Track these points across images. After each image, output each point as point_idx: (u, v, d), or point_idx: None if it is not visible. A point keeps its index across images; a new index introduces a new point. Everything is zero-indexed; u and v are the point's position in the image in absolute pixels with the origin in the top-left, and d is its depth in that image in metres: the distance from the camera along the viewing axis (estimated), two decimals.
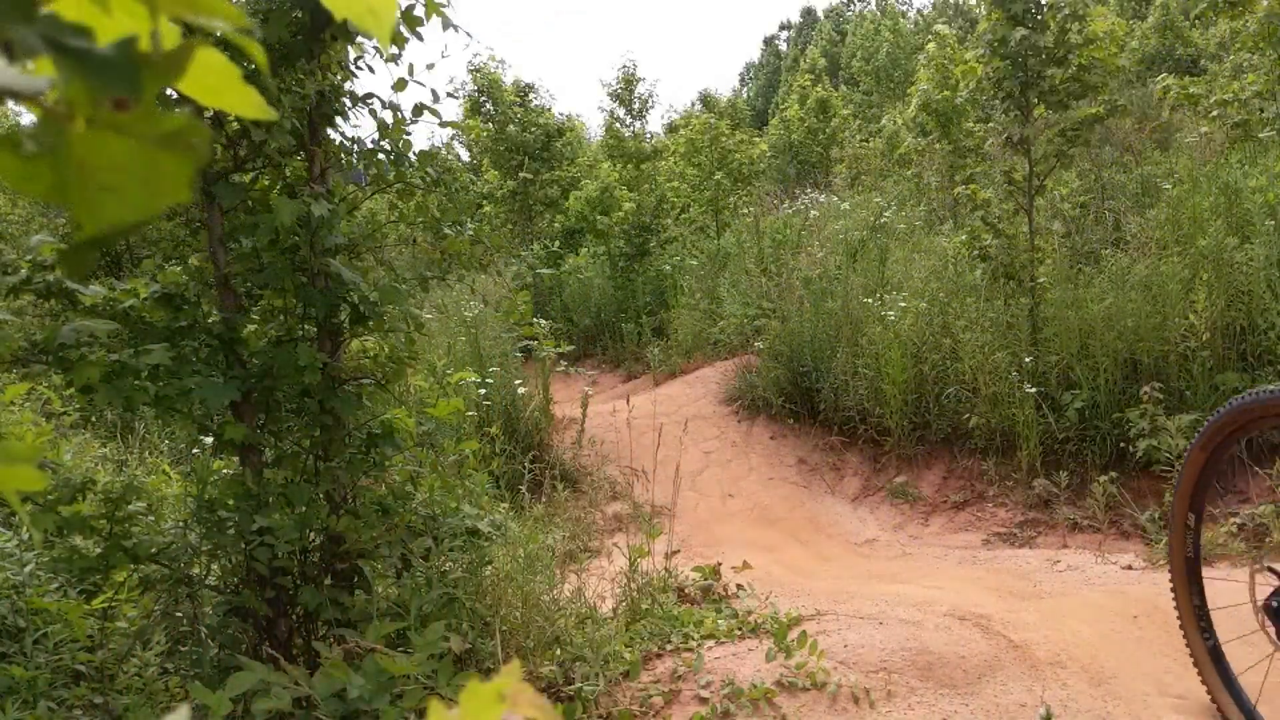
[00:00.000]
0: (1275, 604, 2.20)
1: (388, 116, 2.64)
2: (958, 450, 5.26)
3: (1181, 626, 2.48)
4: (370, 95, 2.65)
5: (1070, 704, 2.34)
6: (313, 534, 2.58)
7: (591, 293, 10.26)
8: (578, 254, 11.19)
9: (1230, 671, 2.43)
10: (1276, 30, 6.43)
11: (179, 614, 2.59)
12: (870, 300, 5.89)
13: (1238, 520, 3.99)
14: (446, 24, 2.57)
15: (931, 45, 8.83)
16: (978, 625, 2.81)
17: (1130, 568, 3.79)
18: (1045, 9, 5.29)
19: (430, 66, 2.71)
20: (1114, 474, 4.51)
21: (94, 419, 5.42)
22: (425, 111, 2.66)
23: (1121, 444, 4.75)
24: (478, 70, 11.90)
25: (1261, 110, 6.78)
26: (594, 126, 15.78)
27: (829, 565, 4.32)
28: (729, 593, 3.30)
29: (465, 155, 15.39)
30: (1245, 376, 4.75)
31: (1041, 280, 5.46)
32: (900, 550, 4.59)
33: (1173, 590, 2.48)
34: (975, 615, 2.90)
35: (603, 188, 10.77)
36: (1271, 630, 2.20)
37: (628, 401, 5.97)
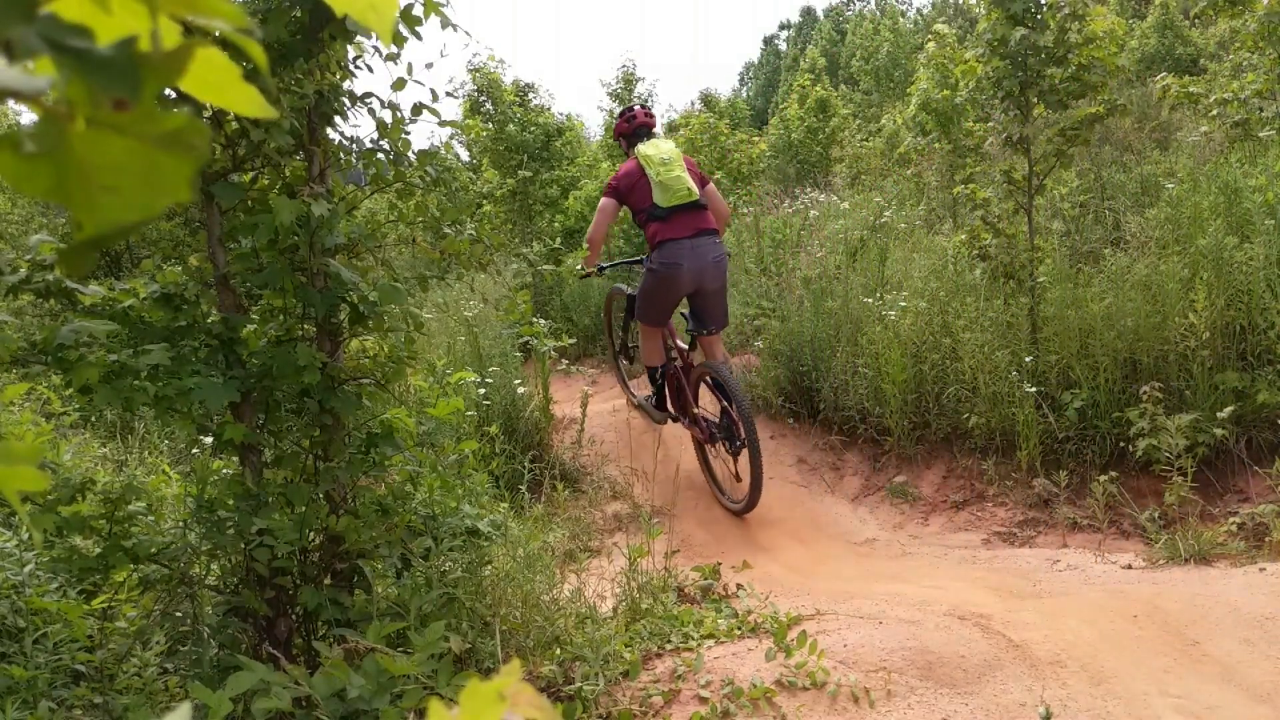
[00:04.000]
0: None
1: (387, 116, 2.64)
2: (957, 450, 5.25)
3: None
4: (369, 94, 2.65)
5: (1070, 703, 2.34)
6: (312, 534, 2.58)
7: (591, 292, 10.25)
8: (578, 254, 11.18)
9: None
10: (1276, 30, 6.43)
11: (179, 614, 2.59)
12: (870, 300, 5.89)
13: (1237, 519, 3.98)
14: (445, 23, 2.57)
15: (931, 45, 8.83)
16: (978, 625, 2.80)
17: (1130, 567, 3.79)
18: (1045, 9, 5.29)
19: (429, 66, 2.72)
20: (1114, 473, 4.50)
21: (94, 419, 5.42)
22: (424, 111, 2.66)
23: (1121, 443, 4.75)
24: (477, 70, 11.87)
25: (1261, 110, 6.78)
26: (594, 126, 15.78)
27: (828, 565, 4.32)
28: (729, 592, 3.30)
29: (465, 155, 15.38)
30: (1245, 375, 4.75)
31: (1041, 280, 5.46)
32: (900, 550, 4.59)
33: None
34: (975, 615, 2.90)
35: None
36: None
37: (628, 401, 5.97)
